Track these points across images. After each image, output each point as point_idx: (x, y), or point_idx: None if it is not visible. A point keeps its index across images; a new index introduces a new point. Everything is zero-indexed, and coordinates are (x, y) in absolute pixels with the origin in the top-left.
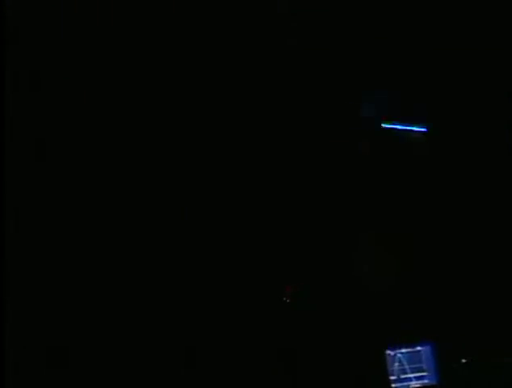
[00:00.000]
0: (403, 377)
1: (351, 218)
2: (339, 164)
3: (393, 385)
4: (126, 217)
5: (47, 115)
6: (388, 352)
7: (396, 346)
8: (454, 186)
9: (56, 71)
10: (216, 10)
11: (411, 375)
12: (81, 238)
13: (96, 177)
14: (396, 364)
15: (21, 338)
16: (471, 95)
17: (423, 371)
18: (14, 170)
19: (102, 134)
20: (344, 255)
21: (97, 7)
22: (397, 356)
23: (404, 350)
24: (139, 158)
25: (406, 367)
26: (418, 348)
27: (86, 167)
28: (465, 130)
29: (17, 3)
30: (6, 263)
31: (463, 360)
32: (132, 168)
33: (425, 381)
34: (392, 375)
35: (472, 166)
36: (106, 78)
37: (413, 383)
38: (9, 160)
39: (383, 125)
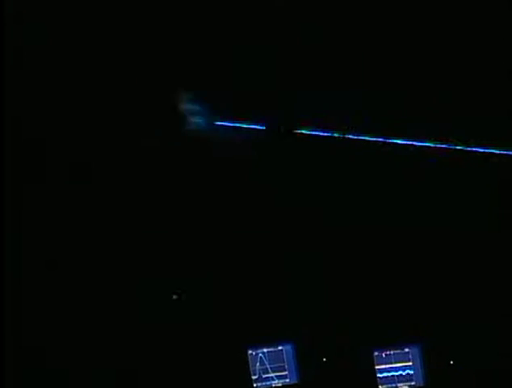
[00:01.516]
0: (265, 376)
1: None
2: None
3: (255, 385)
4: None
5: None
6: (250, 351)
7: (257, 345)
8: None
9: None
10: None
11: (272, 374)
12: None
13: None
14: (258, 363)
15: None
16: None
17: (284, 370)
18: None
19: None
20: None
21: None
22: (259, 355)
23: (265, 349)
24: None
25: (268, 366)
26: (280, 348)
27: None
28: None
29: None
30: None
31: (324, 359)
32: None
33: (287, 380)
34: (254, 374)
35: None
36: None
37: (275, 382)
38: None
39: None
